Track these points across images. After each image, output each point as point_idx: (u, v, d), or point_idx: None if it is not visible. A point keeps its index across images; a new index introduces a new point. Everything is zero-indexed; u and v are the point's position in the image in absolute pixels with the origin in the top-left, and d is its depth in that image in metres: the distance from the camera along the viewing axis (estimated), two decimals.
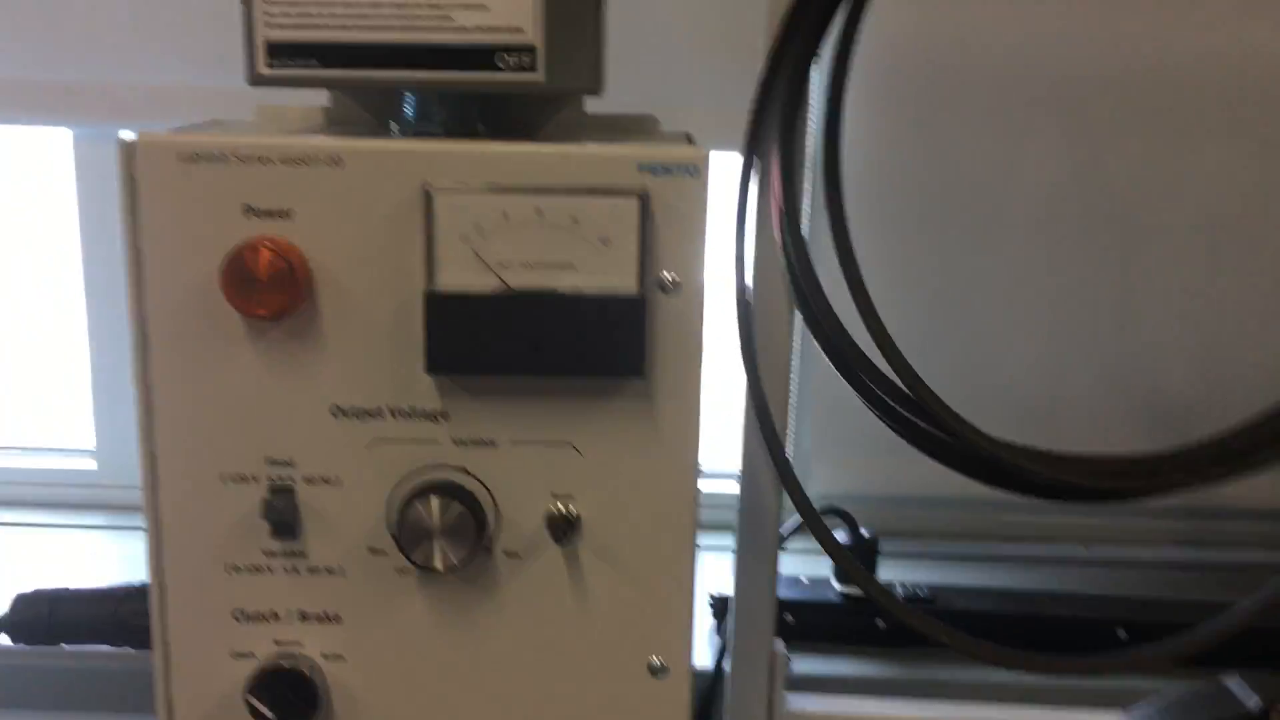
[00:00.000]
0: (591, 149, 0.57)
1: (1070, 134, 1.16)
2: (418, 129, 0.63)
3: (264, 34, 0.57)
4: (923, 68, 1.13)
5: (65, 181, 1.11)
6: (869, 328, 0.75)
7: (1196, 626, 0.73)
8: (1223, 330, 1.19)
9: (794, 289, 0.74)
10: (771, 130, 0.74)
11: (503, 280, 0.56)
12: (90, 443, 1.20)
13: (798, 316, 0.76)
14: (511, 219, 0.56)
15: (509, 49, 0.57)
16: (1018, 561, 1.20)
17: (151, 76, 1.05)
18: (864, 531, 1.03)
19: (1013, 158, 1.16)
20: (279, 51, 0.57)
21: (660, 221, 0.56)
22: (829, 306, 0.76)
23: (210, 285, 0.56)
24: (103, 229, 1.11)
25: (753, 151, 0.74)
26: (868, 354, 0.77)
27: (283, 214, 0.57)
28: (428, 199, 0.56)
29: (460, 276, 0.56)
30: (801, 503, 0.73)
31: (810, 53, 0.73)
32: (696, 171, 0.56)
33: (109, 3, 1.06)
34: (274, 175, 0.56)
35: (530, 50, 0.57)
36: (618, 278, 0.56)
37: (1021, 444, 0.76)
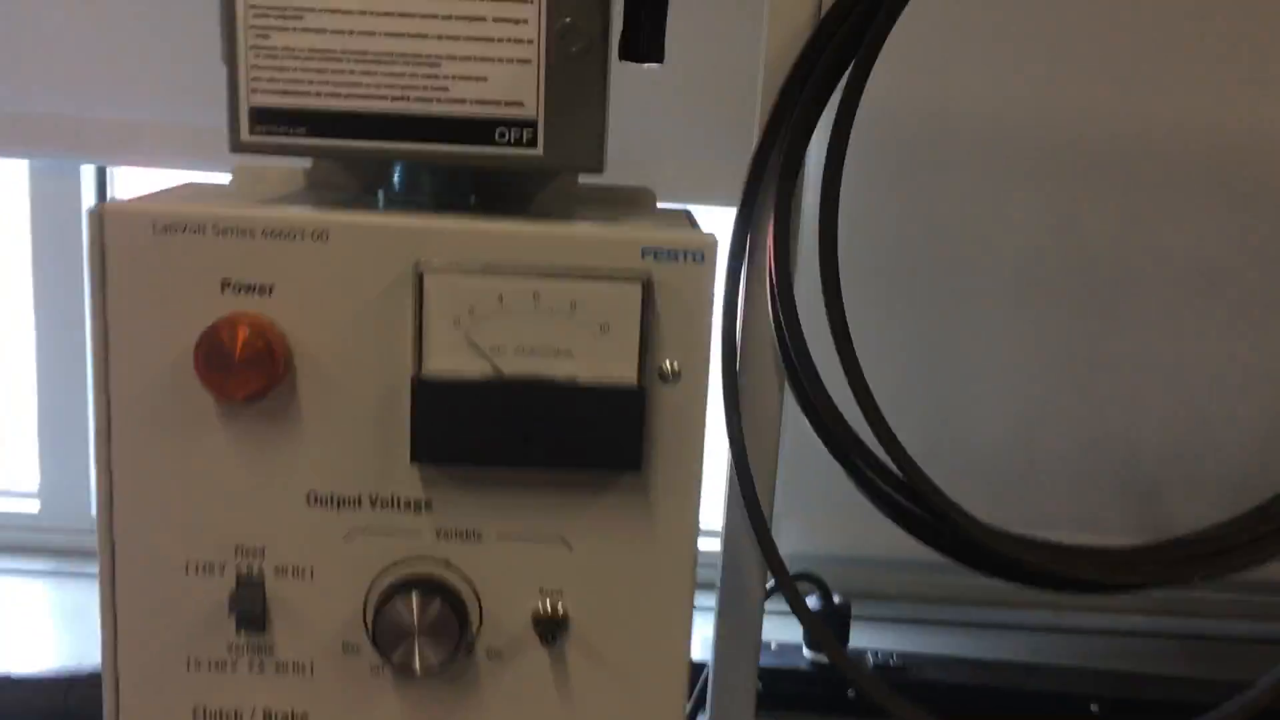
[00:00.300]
0: (594, 230, 0.54)
1: (1048, 199, 1.16)
2: (406, 199, 0.59)
3: (250, 99, 0.53)
4: (903, 132, 1.11)
5: (19, 214, 1.07)
6: (865, 412, 0.73)
7: (1221, 706, 0.71)
8: (1196, 395, 1.19)
9: (786, 369, 0.72)
10: (766, 205, 0.71)
11: (496, 366, 0.53)
12: (34, 484, 1.15)
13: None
14: (507, 302, 0.53)
15: (508, 123, 0.54)
16: (991, 627, 1.19)
17: (117, 110, 1.00)
18: (836, 598, 1.02)
19: (992, 222, 1.15)
20: (265, 118, 0.54)
21: (663, 309, 0.53)
22: (825, 391, 0.73)
23: (183, 364, 0.53)
24: (56, 265, 1.06)
25: (746, 224, 0.71)
26: (861, 435, 0.75)
27: (262, 290, 0.53)
28: (419, 279, 0.53)
29: (450, 361, 0.53)
30: (777, 568, 0.71)
31: (809, 126, 0.71)
32: (703, 258, 0.53)
33: (73, 32, 1.01)
34: (254, 248, 0.53)
35: (531, 125, 0.54)
36: (617, 367, 0.53)
37: (1019, 534, 0.74)
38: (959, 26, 1.09)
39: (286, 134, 0.54)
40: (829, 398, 0.73)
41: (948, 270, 1.18)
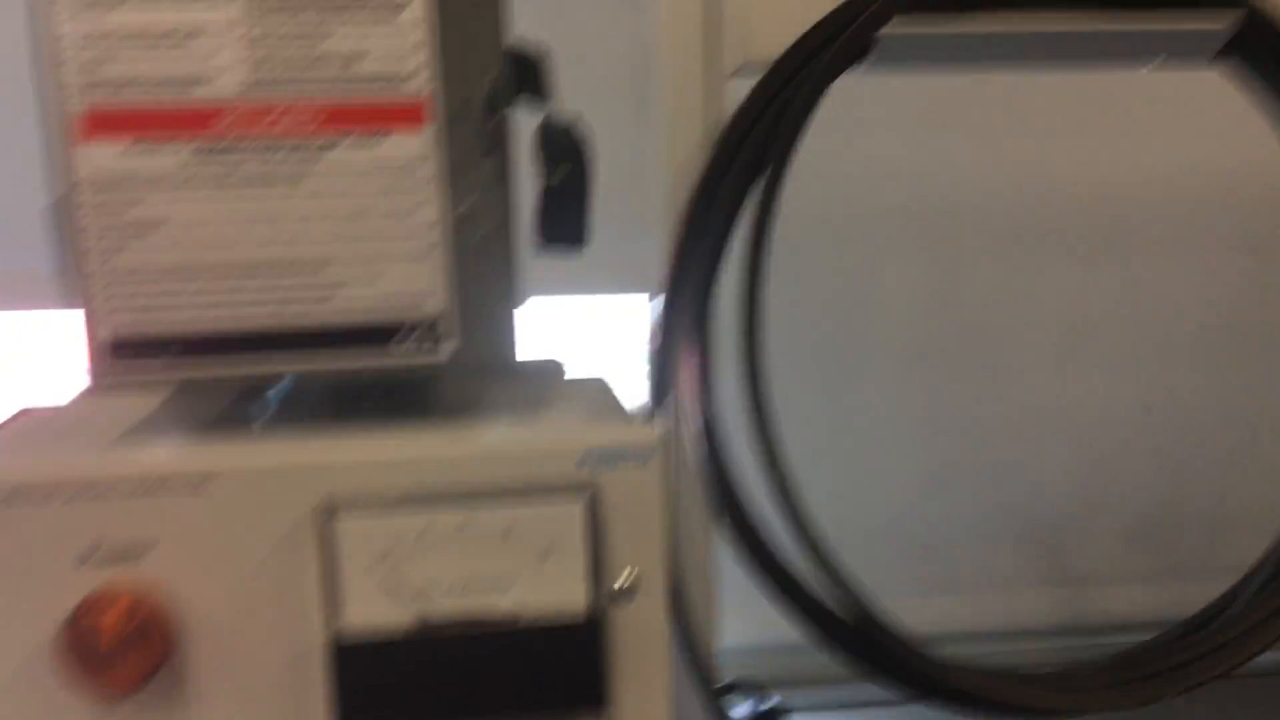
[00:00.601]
0: (523, 441, 0.47)
1: (927, 264, 1.14)
2: (288, 414, 0.51)
3: (101, 330, 0.45)
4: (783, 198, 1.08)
5: None
6: (802, 542, 0.67)
7: None
8: (1087, 441, 1.20)
9: (728, 517, 0.66)
10: (685, 314, 0.66)
11: (423, 615, 0.45)
12: None
13: None
14: (430, 538, 0.45)
15: (408, 326, 0.47)
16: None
17: None
18: (774, 699, 0.97)
19: (873, 292, 1.13)
20: (123, 350, 0.45)
21: (610, 520, 0.47)
22: (758, 535, 0.67)
23: (39, 661, 0.44)
24: None
25: (666, 334, 0.66)
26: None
27: (131, 555, 0.44)
28: (325, 523, 0.45)
29: (370, 612, 0.45)
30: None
31: (727, 233, 0.66)
32: (648, 458, 0.47)
33: None
34: (119, 511, 0.44)
35: (433, 325, 0.47)
36: (563, 595, 0.46)
37: (978, 667, 0.70)
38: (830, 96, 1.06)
39: (149, 365, 0.45)
40: (761, 543, 0.68)
41: (837, 345, 1.16)
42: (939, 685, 0.67)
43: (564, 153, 0.47)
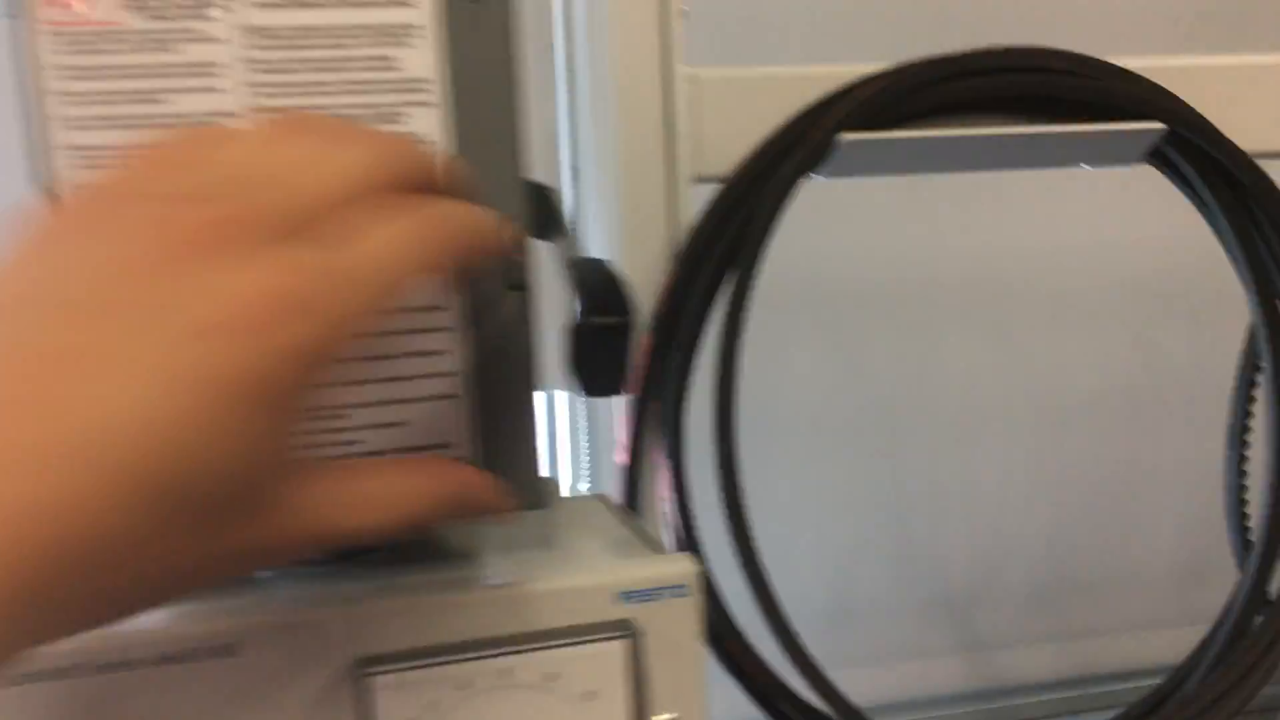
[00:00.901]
0: (559, 582, 0.46)
1: (831, 342, 1.17)
2: (290, 567, 0.49)
3: None
4: None
5: None
6: (791, 656, 0.68)
7: None
8: (988, 511, 1.23)
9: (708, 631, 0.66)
10: (658, 422, 0.66)
11: None
12: None
13: None
14: (472, 689, 0.44)
15: None
16: None
17: None
18: None
19: (781, 372, 1.15)
20: None
21: (650, 657, 0.46)
22: (744, 642, 0.68)
23: None
24: None
25: (638, 443, 0.66)
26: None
27: None
28: (362, 680, 0.43)
29: None
30: None
31: (697, 339, 0.66)
32: (686, 591, 0.46)
33: None
34: (141, 681, 0.42)
35: None
36: None
37: None
38: None
39: None
40: (748, 649, 0.68)
41: (747, 424, 1.17)
42: None
43: (608, 298, 0.47)
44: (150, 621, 0.42)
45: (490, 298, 0.45)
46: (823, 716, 0.69)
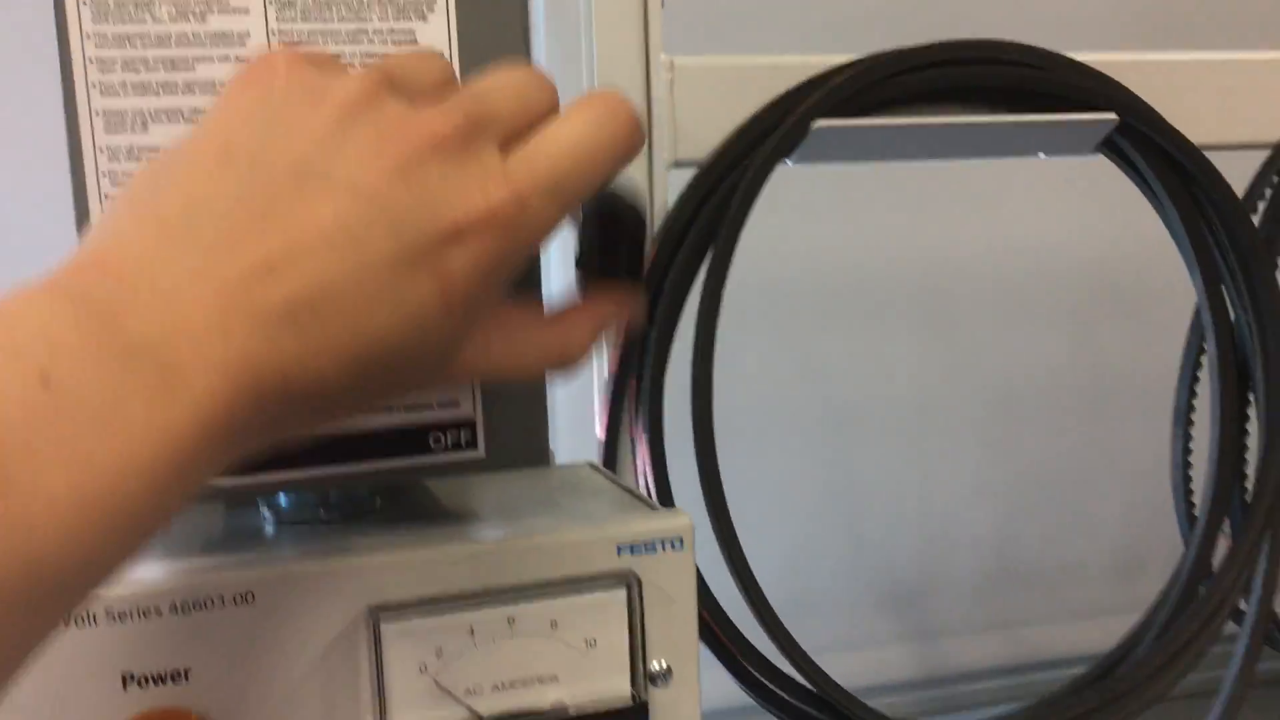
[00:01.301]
0: (564, 535, 0.48)
1: (785, 337, 1.19)
2: (298, 516, 0.51)
3: None
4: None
5: None
6: (767, 629, 0.70)
7: None
8: (937, 504, 1.26)
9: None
10: (635, 403, 0.68)
11: (474, 712, 0.46)
12: None
13: None
14: (479, 635, 0.46)
15: (445, 426, 0.47)
16: None
17: None
18: None
19: (734, 364, 1.17)
20: None
21: (647, 606, 0.48)
22: (720, 611, 0.70)
23: None
24: None
25: (615, 422, 0.68)
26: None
27: (177, 676, 0.43)
28: (374, 626, 0.45)
29: (420, 715, 0.45)
30: None
31: (674, 321, 0.68)
32: (682, 544, 0.48)
33: None
34: (162, 629, 0.43)
35: (470, 425, 0.48)
36: (608, 684, 0.47)
37: None
38: None
39: None
40: (725, 618, 0.70)
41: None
42: None
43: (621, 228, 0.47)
44: (173, 571, 0.44)
45: None
46: (801, 689, 0.71)
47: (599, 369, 0.70)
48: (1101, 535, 1.31)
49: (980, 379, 1.25)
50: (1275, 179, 0.78)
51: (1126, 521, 1.31)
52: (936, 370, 1.24)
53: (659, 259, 0.69)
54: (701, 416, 0.68)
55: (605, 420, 0.69)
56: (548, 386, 0.48)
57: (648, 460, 0.68)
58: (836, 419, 1.22)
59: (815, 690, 0.70)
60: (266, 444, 0.36)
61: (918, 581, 1.30)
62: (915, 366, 1.23)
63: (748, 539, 1.21)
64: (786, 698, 0.72)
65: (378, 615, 0.45)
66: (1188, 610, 0.76)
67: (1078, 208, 1.20)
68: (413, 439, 0.47)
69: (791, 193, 1.14)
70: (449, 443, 0.47)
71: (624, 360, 0.69)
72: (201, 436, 0.32)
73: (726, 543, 0.68)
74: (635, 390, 0.69)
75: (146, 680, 0.43)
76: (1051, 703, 0.76)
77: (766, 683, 0.71)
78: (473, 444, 0.48)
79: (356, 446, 0.46)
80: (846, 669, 1.28)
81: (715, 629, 0.69)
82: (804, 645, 1.26)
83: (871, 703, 1.28)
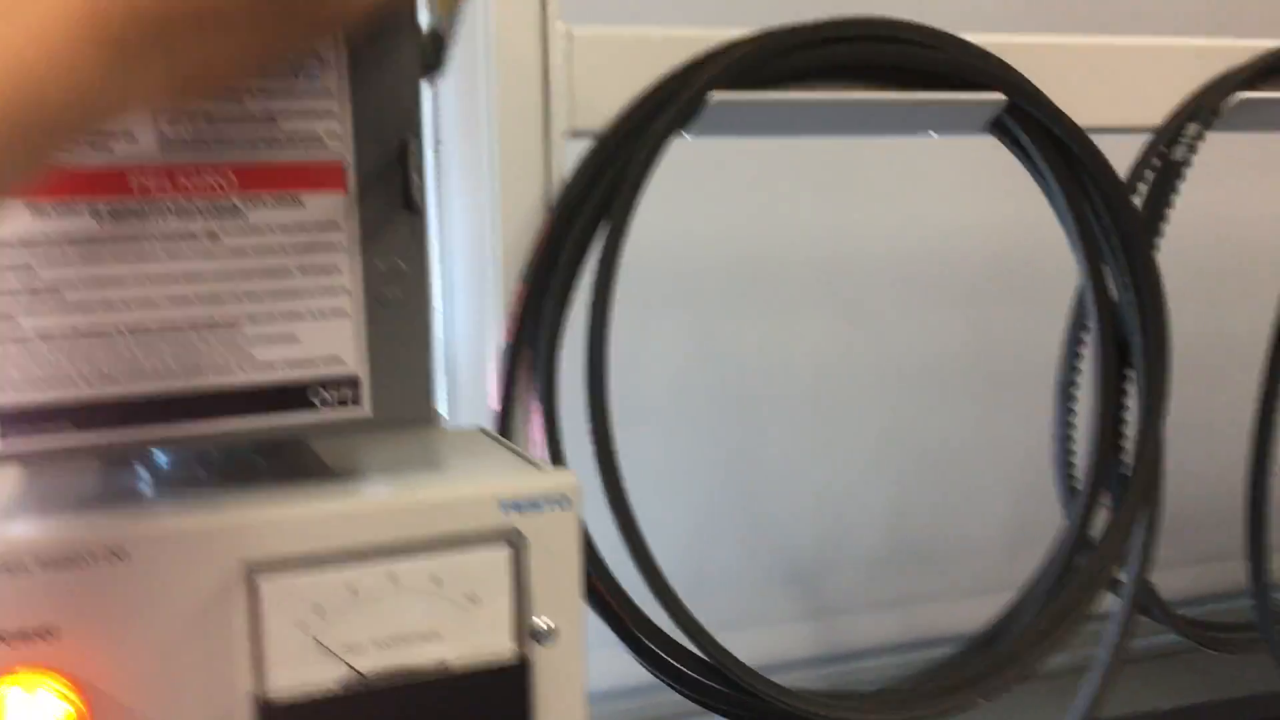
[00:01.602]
0: (446, 491, 0.48)
1: (691, 320, 1.19)
2: (178, 474, 0.50)
3: (6, 397, 0.42)
4: None
5: None
6: (659, 596, 0.71)
7: None
8: (833, 483, 1.28)
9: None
10: (530, 370, 0.68)
11: (354, 669, 0.45)
12: None
13: None
14: (359, 592, 0.45)
15: (327, 383, 0.47)
16: None
17: None
18: None
19: (640, 345, 1.17)
20: (21, 421, 0.43)
21: (532, 564, 0.48)
22: (614, 582, 0.70)
23: None
24: None
25: (510, 390, 0.68)
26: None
27: (44, 634, 0.42)
28: (252, 584, 0.44)
29: (300, 672, 0.45)
30: None
31: (570, 289, 0.68)
32: (567, 502, 0.49)
33: None
34: (28, 586, 0.42)
35: (353, 383, 0.47)
36: (491, 641, 0.47)
37: (818, 692, 0.74)
38: None
39: (51, 435, 0.43)
40: (618, 588, 0.70)
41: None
42: (785, 712, 0.71)
43: None
44: (43, 527, 0.43)
45: (385, 217, 0.46)
46: (689, 655, 0.72)
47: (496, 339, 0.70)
48: (994, 513, 1.34)
49: (878, 360, 1.27)
50: (1157, 162, 0.80)
51: (1018, 499, 1.34)
52: (836, 351, 1.25)
53: (554, 230, 0.69)
54: (595, 388, 0.68)
55: (500, 390, 0.69)
56: (433, 345, 0.48)
57: (541, 429, 0.68)
58: (738, 399, 1.23)
59: (709, 660, 0.71)
60: (152, 84, 0.36)
61: (816, 559, 1.32)
62: (815, 347, 1.24)
63: (650, 518, 1.21)
64: (682, 668, 0.72)
65: (255, 573, 0.44)
66: (1067, 581, 0.78)
67: (976, 193, 1.23)
68: (293, 396, 0.46)
69: (698, 174, 1.15)
70: (332, 400, 0.47)
71: (519, 331, 0.69)
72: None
73: (618, 508, 0.68)
74: (531, 360, 0.69)
75: (12, 638, 0.42)
76: (936, 672, 0.78)
77: (662, 654, 0.71)
78: (357, 401, 0.47)
79: (235, 402, 0.46)
80: (747, 646, 1.29)
81: (610, 600, 0.69)
82: (705, 623, 1.27)
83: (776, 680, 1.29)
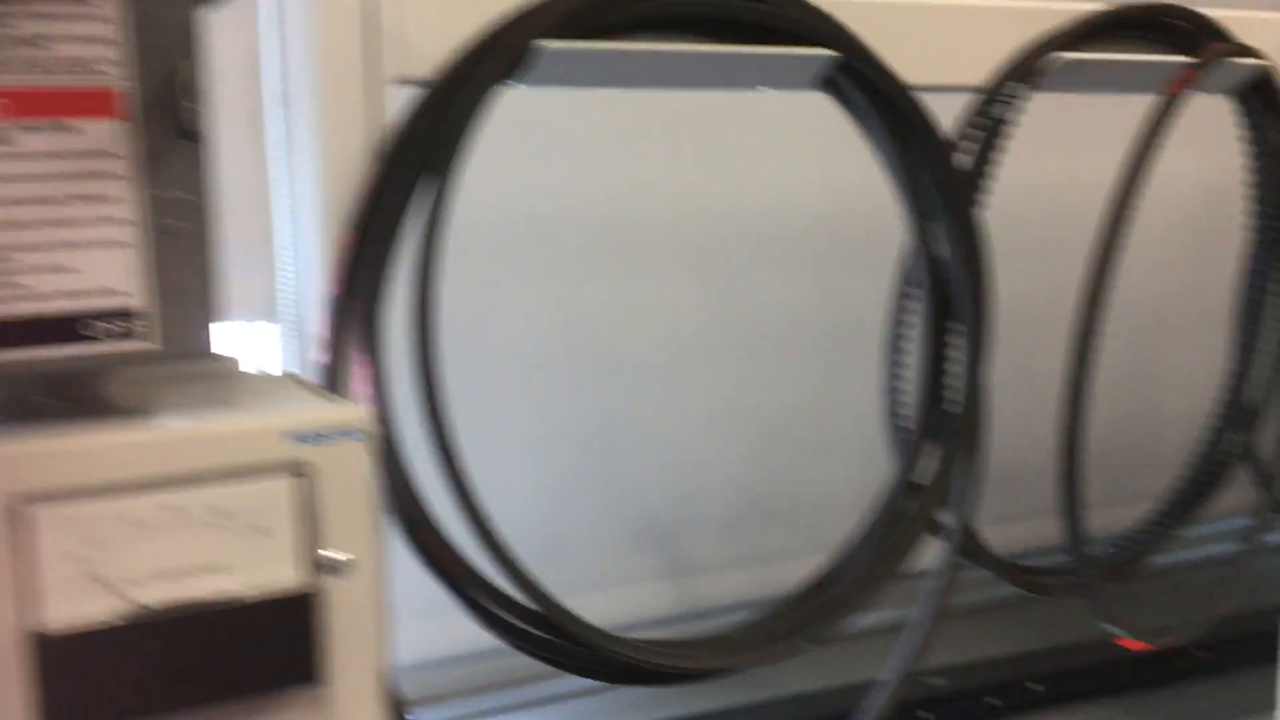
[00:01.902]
0: (230, 424, 0.47)
1: (540, 276, 1.19)
2: None
3: None
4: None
5: None
6: (488, 548, 0.71)
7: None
8: (689, 443, 1.29)
9: (399, 519, 0.68)
10: (356, 322, 0.67)
11: (134, 602, 0.45)
12: None
13: None
14: (141, 524, 0.45)
15: (106, 316, 0.46)
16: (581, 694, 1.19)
17: None
18: None
19: (495, 305, 1.17)
20: None
21: (323, 495, 0.48)
22: (441, 535, 0.70)
23: None
24: None
25: (337, 341, 0.67)
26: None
27: None
28: (20, 515, 0.43)
29: (75, 607, 0.44)
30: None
31: (394, 240, 0.68)
32: (358, 435, 0.49)
33: None
34: None
35: (130, 316, 0.47)
36: (275, 573, 0.47)
37: (642, 641, 0.76)
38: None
39: None
40: (445, 543, 0.70)
41: (461, 354, 1.17)
42: (615, 660, 0.72)
43: None
44: None
45: (165, 146, 0.46)
46: (523, 609, 0.72)
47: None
48: (845, 469, 1.36)
49: (731, 321, 1.28)
50: (982, 121, 0.82)
51: (868, 455, 1.36)
52: (689, 313, 1.26)
53: (381, 178, 0.68)
54: (421, 342, 0.67)
55: (328, 341, 0.68)
56: (216, 277, 0.47)
57: (366, 381, 0.67)
58: (593, 361, 1.23)
59: (543, 613, 0.71)
60: None
61: (673, 519, 1.33)
62: (669, 309, 1.25)
63: (506, 481, 1.21)
64: (515, 622, 0.72)
65: (30, 503, 0.43)
66: (897, 524, 0.80)
67: (823, 156, 1.24)
68: (70, 327, 0.46)
69: (551, 136, 1.14)
70: (112, 332, 0.46)
71: (346, 281, 0.68)
72: None
73: (443, 458, 0.68)
74: (357, 312, 0.68)
75: None
76: (765, 620, 0.80)
77: (494, 609, 0.71)
78: (138, 334, 0.47)
79: (8, 333, 0.45)
80: (606, 606, 1.31)
81: (439, 555, 0.69)
82: (565, 585, 1.26)
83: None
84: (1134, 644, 1.22)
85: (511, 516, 1.20)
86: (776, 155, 1.24)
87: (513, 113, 1.10)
